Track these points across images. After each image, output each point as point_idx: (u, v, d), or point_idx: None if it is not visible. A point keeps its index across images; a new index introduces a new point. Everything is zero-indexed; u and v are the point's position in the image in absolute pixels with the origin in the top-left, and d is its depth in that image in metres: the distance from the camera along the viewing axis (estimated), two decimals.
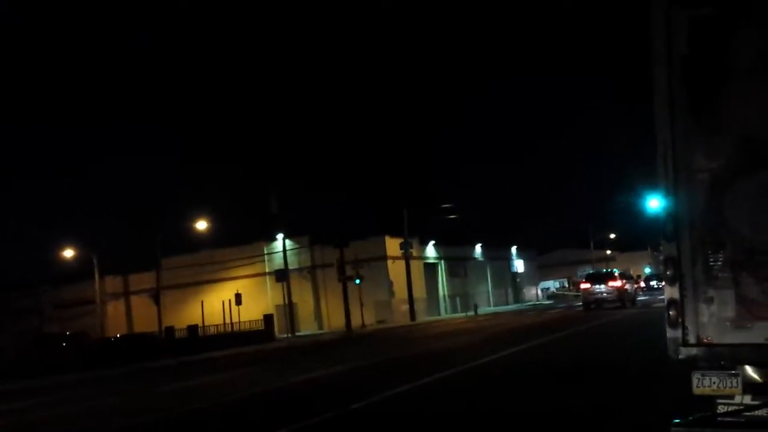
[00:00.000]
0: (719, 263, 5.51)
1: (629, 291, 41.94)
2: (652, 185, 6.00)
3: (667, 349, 5.87)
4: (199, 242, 52.41)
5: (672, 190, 5.72)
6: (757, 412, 5.80)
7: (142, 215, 74.64)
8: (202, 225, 44.24)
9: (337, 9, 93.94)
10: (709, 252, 5.55)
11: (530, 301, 78.57)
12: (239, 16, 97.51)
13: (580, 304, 43.62)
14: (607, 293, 38.85)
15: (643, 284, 71.41)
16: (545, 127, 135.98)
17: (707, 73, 5.62)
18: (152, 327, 46.27)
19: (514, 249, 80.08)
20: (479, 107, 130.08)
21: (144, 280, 56.02)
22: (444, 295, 64.57)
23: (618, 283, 39.59)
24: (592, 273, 45.30)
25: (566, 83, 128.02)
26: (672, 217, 5.68)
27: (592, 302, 39.37)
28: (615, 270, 46.31)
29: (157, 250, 46.38)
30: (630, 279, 49.86)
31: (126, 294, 59.53)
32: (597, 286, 39.62)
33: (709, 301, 5.50)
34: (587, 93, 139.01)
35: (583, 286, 42.33)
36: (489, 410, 9.99)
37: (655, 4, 5.80)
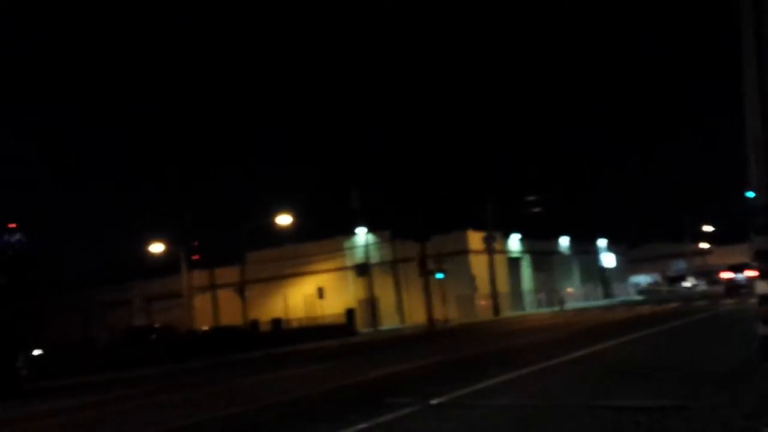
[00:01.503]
0: None
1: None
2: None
3: (759, 347, 5.56)
4: (282, 237, 53.39)
5: (764, 181, 5.42)
6: None
7: (228, 211, 76.48)
8: (285, 220, 44.96)
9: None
10: None
11: (620, 296, 76.58)
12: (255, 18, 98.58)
13: (674, 301, 48.82)
14: (744, 280, 44.51)
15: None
16: (635, 115, 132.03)
17: None
18: (237, 320, 47.45)
19: (602, 242, 78.20)
20: (565, 98, 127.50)
21: (229, 274, 57.54)
22: (528, 290, 63.66)
23: (752, 273, 41.19)
24: (733, 265, 51.93)
25: (649, 66, 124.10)
26: (763, 208, 5.38)
27: (732, 288, 47.15)
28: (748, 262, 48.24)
29: (242, 245, 47.54)
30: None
31: (212, 288, 61.23)
32: (737, 275, 47.14)
33: None
34: (673, 76, 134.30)
35: (725, 275, 51.07)
36: (559, 405, 9.74)
37: None
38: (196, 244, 47.12)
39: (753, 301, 5.73)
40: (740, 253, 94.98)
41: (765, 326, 5.26)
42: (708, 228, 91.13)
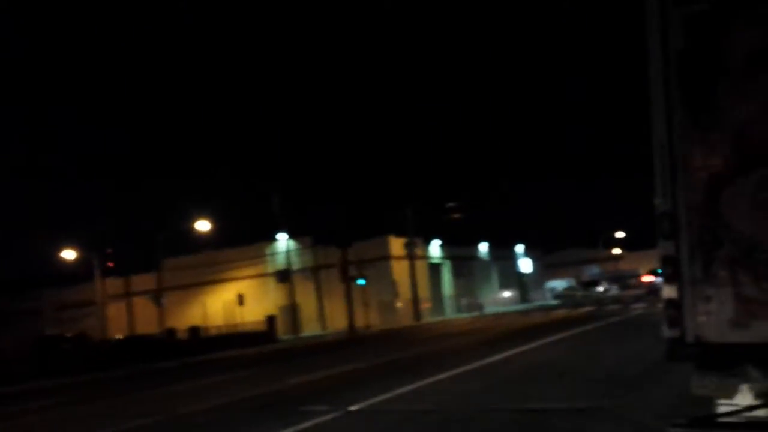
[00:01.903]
0: (717, 262, 5.40)
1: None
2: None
3: (666, 350, 5.76)
4: (200, 243, 52.41)
5: (669, 188, 5.62)
6: (758, 413, 5.68)
7: (143, 216, 74.67)
8: (203, 226, 44.11)
9: (330, 7, 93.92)
10: (707, 250, 5.44)
11: (537, 301, 78.36)
12: (237, 16, 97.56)
13: (588, 306, 50.35)
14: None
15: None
16: (549, 124, 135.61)
17: (703, 70, 5.52)
18: (154, 328, 46.25)
19: (520, 248, 79.86)
20: (486, 105, 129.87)
21: (145, 281, 56.02)
22: (449, 296, 64.41)
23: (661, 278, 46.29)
24: (654, 270, 54.69)
25: (567, 83, 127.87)
26: (669, 215, 5.58)
27: (653, 291, 49.06)
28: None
29: (159, 252, 46.40)
30: None
31: (127, 295, 59.57)
32: (657, 279, 49.23)
33: (708, 300, 5.38)
34: (590, 90, 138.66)
35: (647, 278, 56.51)
36: (479, 410, 9.87)
37: (650, 1, 5.71)
38: (110, 251, 45.71)
39: (661, 305, 5.94)
40: (650, 258, 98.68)
41: (671, 329, 5.43)
42: (620, 234, 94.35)
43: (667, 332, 5.52)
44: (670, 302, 5.55)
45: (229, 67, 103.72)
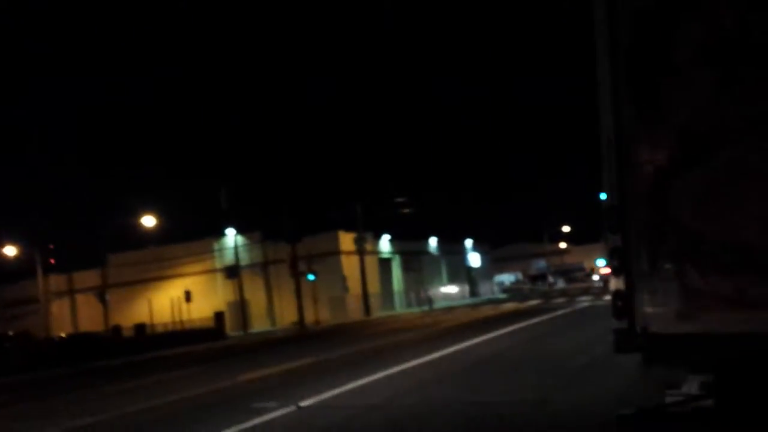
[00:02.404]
0: (663, 255, 5.49)
1: None
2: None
3: (614, 341, 5.83)
4: (146, 239, 51.49)
5: (616, 183, 5.69)
6: (703, 402, 5.80)
7: (87, 211, 73.06)
8: (149, 221, 43.32)
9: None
10: (654, 244, 5.52)
11: (485, 295, 79.17)
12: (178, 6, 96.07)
13: (535, 299, 49.81)
14: None
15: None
16: (498, 122, 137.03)
17: (649, 65, 5.60)
18: (98, 326, 45.34)
19: (469, 243, 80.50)
20: (436, 98, 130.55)
21: (90, 278, 54.88)
22: (399, 290, 64.60)
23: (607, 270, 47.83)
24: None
25: (517, 81, 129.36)
26: (616, 208, 5.65)
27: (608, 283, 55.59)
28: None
29: (103, 247, 45.45)
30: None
31: (71, 292, 58.21)
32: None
33: (654, 292, 5.47)
34: (540, 87, 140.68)
35: (605, 271, 53.14)
36: (431, 403, 9.90)
37: None
38: (51, 246, 44.56)
39: (608, 297, 6.02)
40: (596, 252, 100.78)
41: (618, 321, 5.51)
42: (566, 228, 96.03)
43: (615, 324, 5.60)
44: (617, 294, 5.63)
45: (176, 59, 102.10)
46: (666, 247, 5.45)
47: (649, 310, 5.49)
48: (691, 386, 6.40)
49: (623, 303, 5.57)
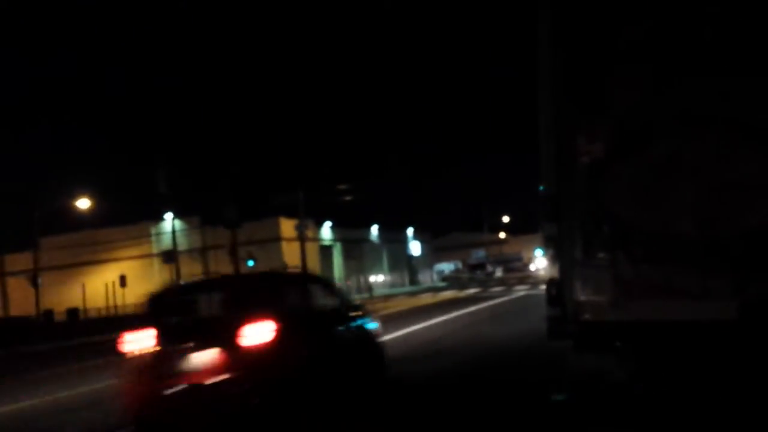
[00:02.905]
0: (597, 244, 5.58)
1: None
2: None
3: (547, 328, 5.91)
4: (81, 221, 50.20)
5: (553, 173, 5.75)
6: (631, 388, 5.95)
7: (18, 192, 70.84)
8: (83, 203, 42.17)
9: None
10: (588, 233, 5.61)
11: (425, 283, 79.75)
12: None
13: (474, 287, 50.39)
14: None
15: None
16: (440, 109, 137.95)
17: (589, 57, 5.67)
18: (30, 310, 44.05)
19: (410, 231, 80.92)
20: (379, 91, 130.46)
21: (20, 260, 53.23)
22: (339, 277, 64.60)
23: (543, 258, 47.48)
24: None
25: (467, 69, 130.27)
26: (552, 197, 5.72)
27: None
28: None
29: (35, 229, 44.07)
30: None
31: (1, 275, 56.43)
32: None
33: (587, 280, 5.57)
34: (481, 78, 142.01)
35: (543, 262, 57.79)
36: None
37: None
38: None
39: (543, 286, 6.09)
40: (534, 242, 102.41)
41: (552, 308, 5.59)
42: (505, 219, 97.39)
43: (549, 311, 5.69)
44: (551, 282, 5.72)
45: (118, 41, 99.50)
46: (600, 237, 5.55)
47: (582, 298, 5.58)
48: (620, 372, 6.55)
49: (557, 291, 5.65)
